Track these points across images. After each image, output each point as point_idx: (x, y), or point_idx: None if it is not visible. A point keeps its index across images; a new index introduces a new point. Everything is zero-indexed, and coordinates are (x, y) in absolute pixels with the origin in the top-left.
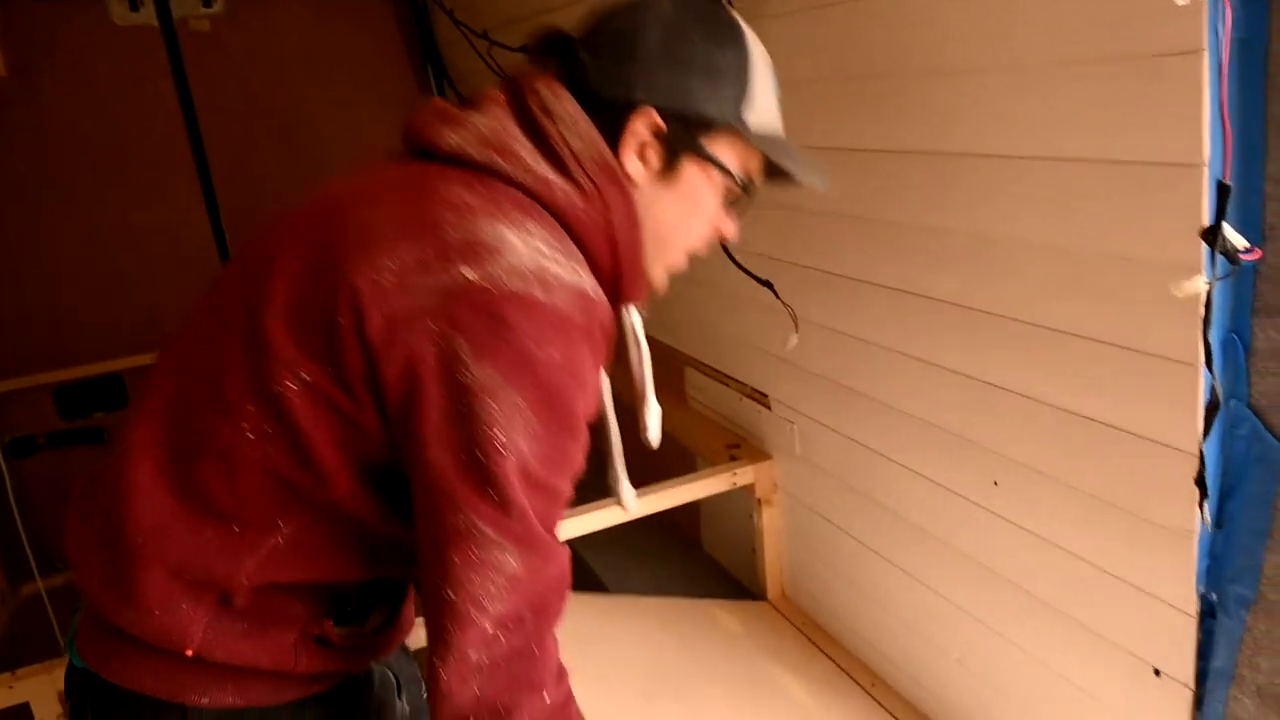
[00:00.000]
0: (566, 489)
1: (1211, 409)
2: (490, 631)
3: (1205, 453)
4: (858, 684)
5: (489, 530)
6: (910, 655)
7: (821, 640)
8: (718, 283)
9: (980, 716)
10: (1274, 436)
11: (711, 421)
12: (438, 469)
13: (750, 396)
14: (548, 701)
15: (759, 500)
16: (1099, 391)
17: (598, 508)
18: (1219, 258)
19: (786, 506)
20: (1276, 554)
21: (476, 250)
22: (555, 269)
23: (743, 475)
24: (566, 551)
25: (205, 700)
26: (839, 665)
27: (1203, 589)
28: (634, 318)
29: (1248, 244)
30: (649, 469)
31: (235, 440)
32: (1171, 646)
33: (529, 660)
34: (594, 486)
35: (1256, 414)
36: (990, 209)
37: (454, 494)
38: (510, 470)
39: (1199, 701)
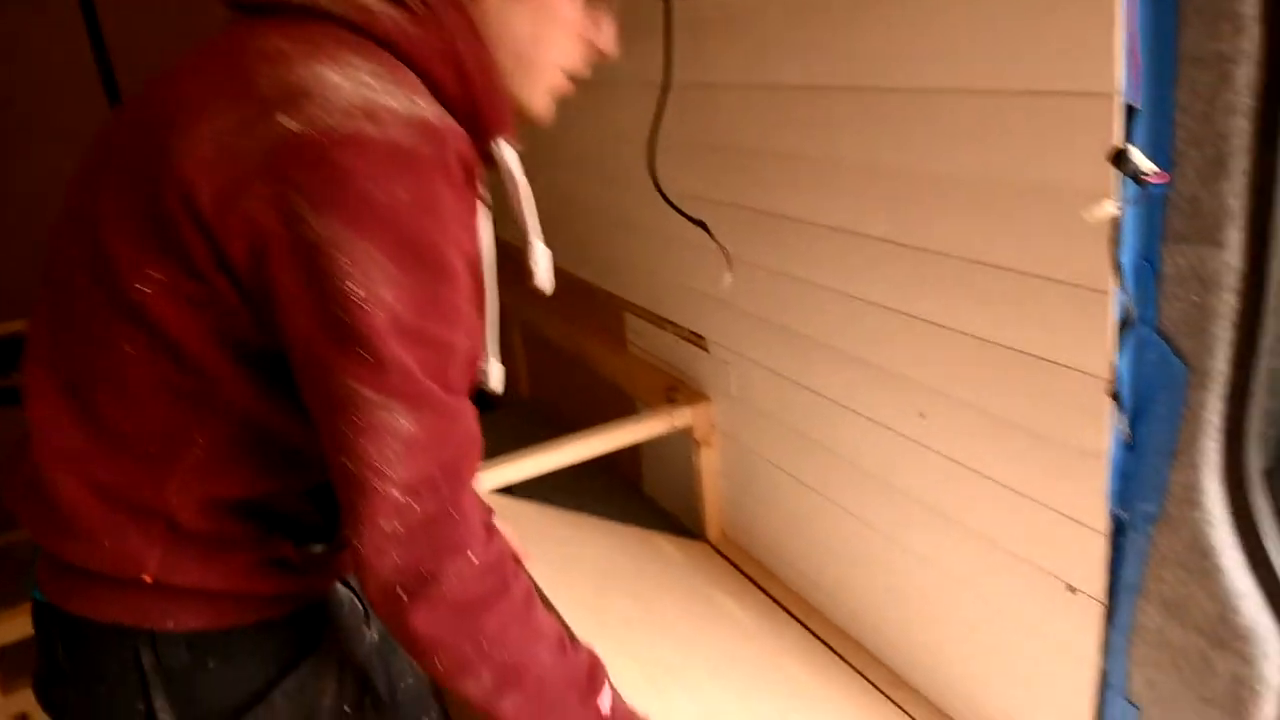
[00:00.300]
0: (455, 339)
1: (1124, 325)
2: (400, 499)
3: (1119, 369)
4: (793, 616)
5: (368, 392)
6: (843, 586)
7: (759, 575)
8: (653, 226)
9: (909, 640)
10: (1181, 360)
11: (650, 366)
12: (304, 337)
13: (688, 339)
14: (475, 562)
15: (697, 442)
16: (1018, 320)
17: (537, 452)
18: (1128, 182)
19: (724, 447)
20: (1181, 472)
21: (294, 96)
22: (387, 101)
23: (681, 417)
24: (470, 408)
25: (171, 624)
26: (775, 599)
27: (1114, 508)
28: (507, 153)
29: (1155, 168)
30: (590, 415)
31: (117, 361)
32: (1085, 564)
33: (447, 524)
34: (535, 437)
35: (1164, 338)
36: (915, 143)
37: (325, 360)
38: (378, 325)
39: (1109, 614)
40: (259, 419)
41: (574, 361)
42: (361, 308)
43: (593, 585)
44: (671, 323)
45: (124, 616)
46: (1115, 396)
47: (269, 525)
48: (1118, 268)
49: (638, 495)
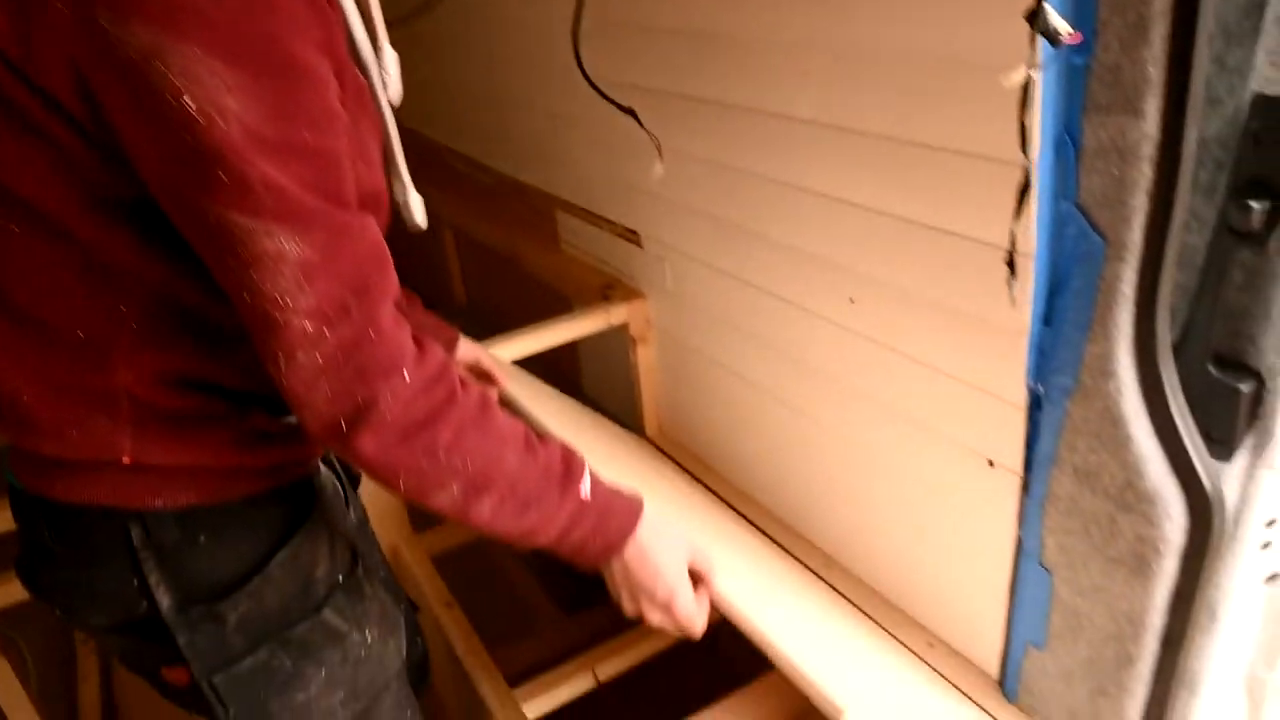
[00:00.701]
0: (332, 144)
1: (1023, 191)
2: (309, 328)
3: (1015, 235)
4: (730, 506)
5: (243, 219)
6: (778, 475)
7: (697, 469)
8: (583, 117)
9: (840, 522)
10: (1098, 233)
11: (585, 264)
12: (157, 173)
13: (622, 236)
14: (409, 380)
15: (634, 339)
16: (941, 199)
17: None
18: (1046, 46)
19: (661, 343)
20: (1096, 344)
21: None
22: None
23: (616, 314)
24: (365, 219)
25: (159, 502)
26: (713, 491)
27: (1031, 382)
28: None
29: (1071, 29)
30: (527, 318)
31: (12, 249)
32: (1004, 439)
33: (369, 346)
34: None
35: (1083, 212)
36: (838, 19)
37: (186, 194)
38: (229, 140)
39: (1025, 486)
40: (169, 286)
41: (508, 264)
42: (202, 123)
43: None
44: (605, 219)
45: (109, 498)
46: (1010, 264)
47: (237, 397)
48: (1028, 136)
49: (578, 395)
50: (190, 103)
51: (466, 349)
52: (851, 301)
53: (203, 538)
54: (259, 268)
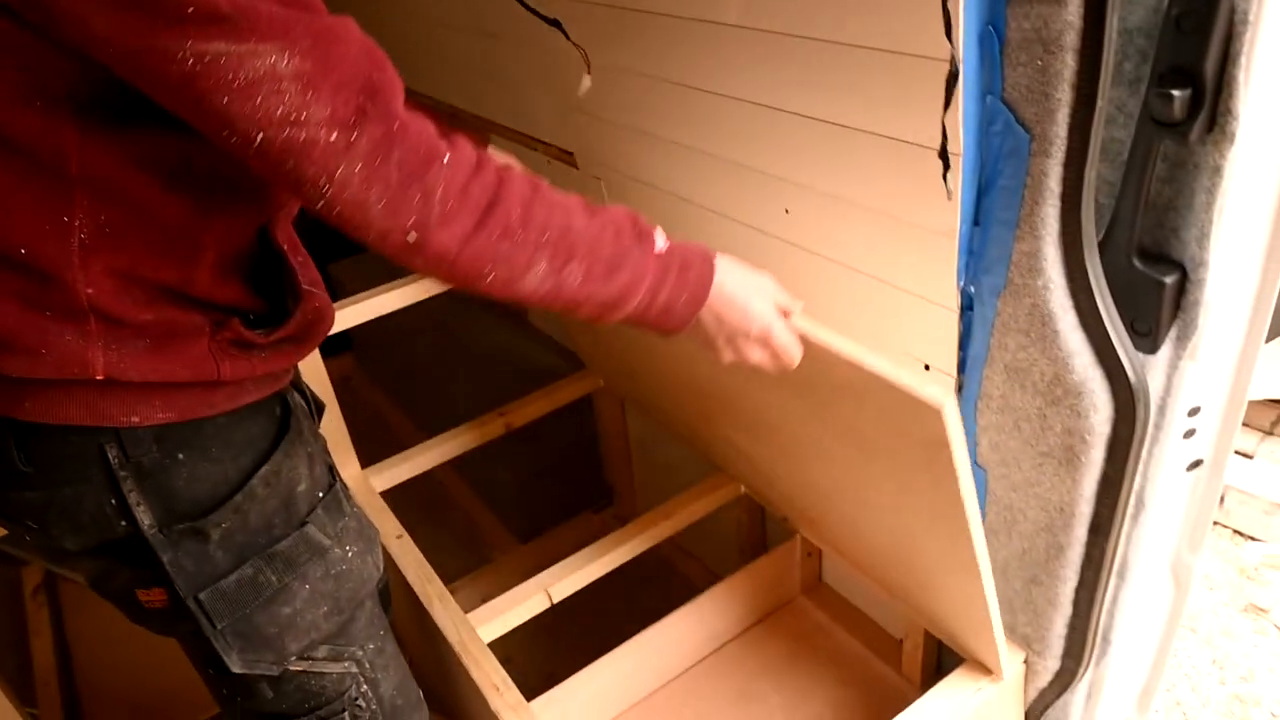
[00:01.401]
0: None
1: (952, 79)
2: (335, 138)
3: (946, 129)
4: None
5: (222, 45)
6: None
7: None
8: (510, 34)
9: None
10: (1024, 128)
11: None
12: (111, 31)
13: (557, 158)
14: (451, 164)
15: None
16: (872, 101)
17: (411, 282)
18: None
19: None
20: (1024, 241)
21: None
22: None
23: None
24: (345, 19)
25: (135, 419)
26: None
27: (963, 284)
28: None
29: None
30: None
31: None
32: (938, 342)
33: (401, 138)
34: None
35: (1009, 106)
36: None
37: (153, 44)
38: None
39: (960, 387)
40: (120, 181)
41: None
42: None
43: None
44: (540, 141)
45: (82, 417)
46: (943, 158)
47: (208, 307)
48: (952, 25)
49: (525, 327)
50: None
51: (497, 154)
52: (787, 212)
53: (182, 455)
54: (260, 92)
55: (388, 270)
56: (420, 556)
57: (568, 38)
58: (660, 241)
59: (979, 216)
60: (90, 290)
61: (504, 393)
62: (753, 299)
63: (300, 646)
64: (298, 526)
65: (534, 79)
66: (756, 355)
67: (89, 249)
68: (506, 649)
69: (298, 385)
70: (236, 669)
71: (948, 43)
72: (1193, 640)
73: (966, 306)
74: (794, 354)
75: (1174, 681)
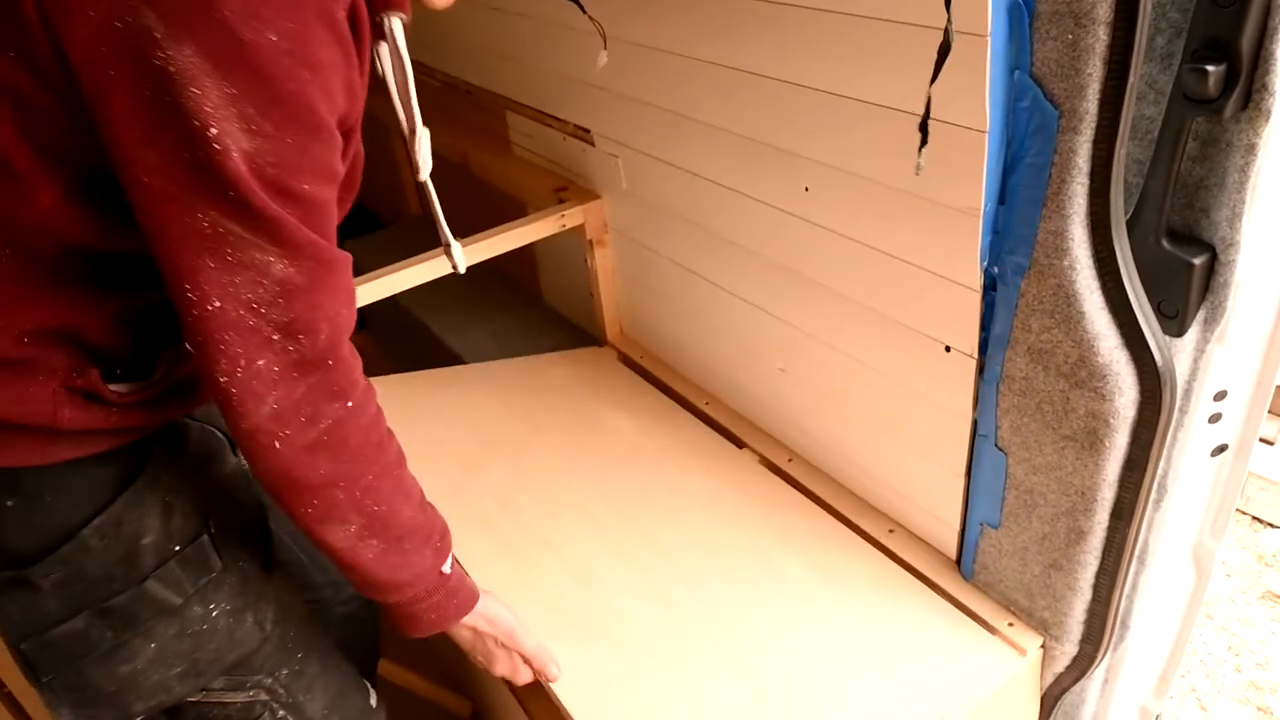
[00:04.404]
0: (324, 194)
1: (943, 52)
2: (277, 340)
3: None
4: (691, 408)
5: (239, 229)
6: (739, 371)
7: (660, 371)
8: (527, 9)
9: (801, 416)
10: (1052, 104)
11: (537, 166)
12: (156, 170)
13: (573, 135)
14: (355, 411)
15: (590, 242)
16: (898, 78)
17: (426, 259)
18: None
19: (618, 245)
20: (1050, 221)
21: None
22: None
23: (571, 217)
24: (347, 257)
25: None
26: (675, 392)
27: (986, 264)
28: (397, 27)
29: None
30: (481, 225)
31: None
32: (959, 323)
33: (326, 370)
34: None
35: (1037, 82)
36: None
37: (184, 197)
38: (239, 172)
39: (981, 368)
40: (78, 238)
41: (460, 170)
42: (218, 150)
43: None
44: (555, 118)
45: None
46: (922, 128)
47: (84, 351)
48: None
49: (538, 304)
50: (214, 132)
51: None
52: (807, 190)
53: (11, 502)
54: (242, 273)
55: (402, 249)
56: None
57: (584, 12)
58: (449, 563)
59: (1004, 195)
60: None
61: None
62: (506, 624)
63: (148, 706)
64: (138, 582)
65: (549, 56)
66: (505, 666)
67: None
68: None
69: (210, 418)
70: None
71: (946, 12)
72: (1209, 627)
73: (989, 287)
74: (549, 665)
75: (1189, 668)
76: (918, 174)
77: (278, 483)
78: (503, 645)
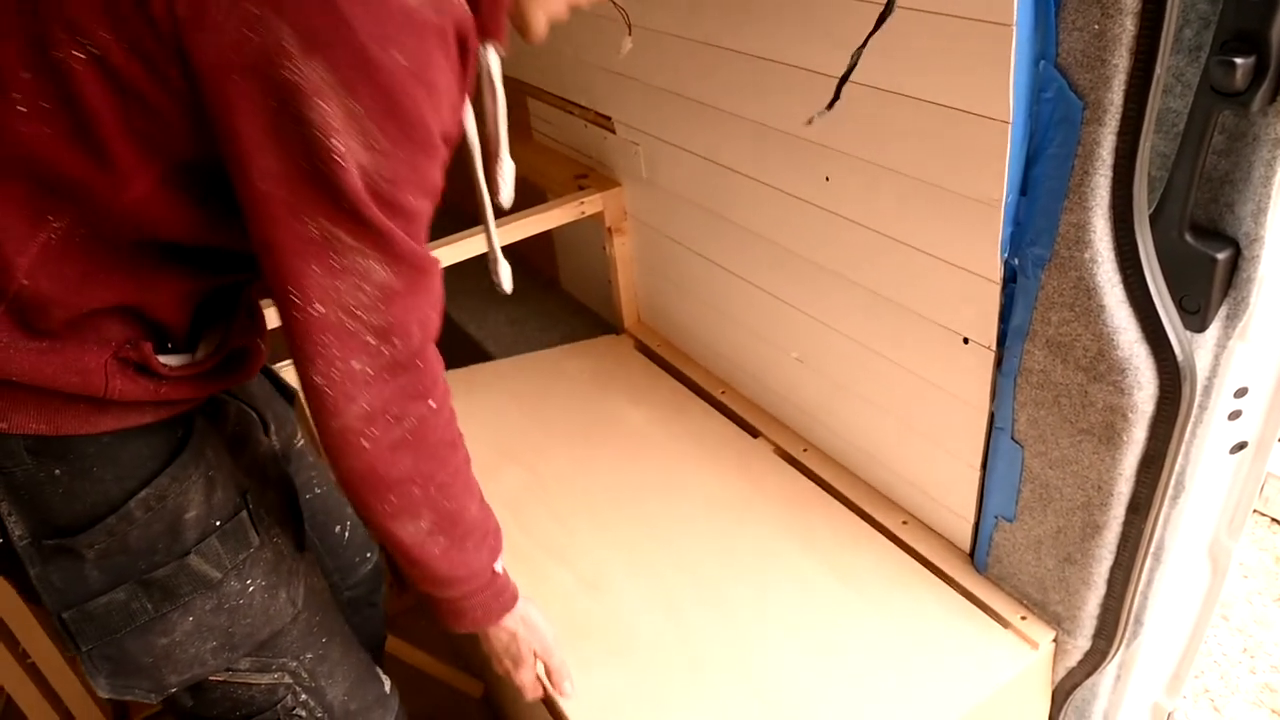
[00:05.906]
0: (425, 208)
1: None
2: (372, 342)
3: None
4: (708, 396)
5: (346, 237)
6: (756, 361)
7: (676, 359)
8: None
9: (818, 405)
10: (1077, 95)
11: (558, 153)
12: (272, 177)
13: (595, 122)
14: (437, 410)
15: (609, 229)
16: (922, 68)
17: (443, 244)
18: None
19: (637, 232)
20: (1072, 213)
21: None
22: None
23: (591, 204)
24: (438, 262)
25: (4, 425)
26: (692, 381)
27: (1006, 255)
28: (493, 59)
29: None
30: (498, 211)
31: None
32: (978, 314)
33: (414, 372)
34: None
35: (1062, 73)
36: None
37: (297, 204)
38: (354, 183)
39: (999, 361)
40: (151, 226)
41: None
42: (339, 163)
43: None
44: (578, 105)
45: None
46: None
47: (131, 325)
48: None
49: (556, 292)
50: (337, 145)
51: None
52: (827, 180)
53: (59, 470)
54: (345, 278)
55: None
56: None
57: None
58: (500, 566)
59: (1026, 186)
60: (26, 283)
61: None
62: (539, 633)
63: (182, 679)
64: (180, 556)
65: (571, 43)
66: (528, 676)
67: (50, 249)
68: None
69: (246, 397)
70: (104, 694)
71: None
72: (1225, 628)
73: (1009, 279)
74: (565, 681)
75: (1203, 668)
76: (809, 124)
77: (360, 479)
78: (533, 652)
